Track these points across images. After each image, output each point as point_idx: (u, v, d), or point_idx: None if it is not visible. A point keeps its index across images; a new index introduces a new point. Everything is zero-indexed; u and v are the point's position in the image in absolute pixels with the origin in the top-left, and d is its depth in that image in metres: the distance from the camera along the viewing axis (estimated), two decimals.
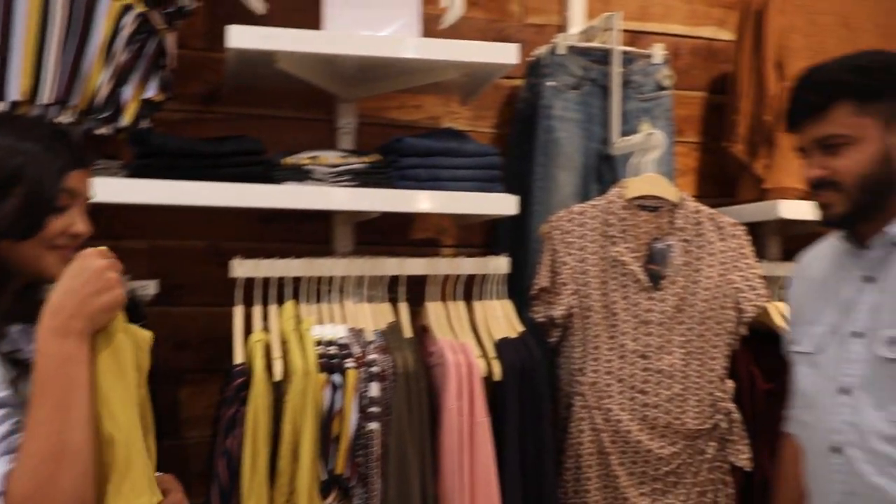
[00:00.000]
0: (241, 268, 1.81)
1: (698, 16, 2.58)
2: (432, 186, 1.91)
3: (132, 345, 1.18)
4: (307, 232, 2.21)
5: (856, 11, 2.39)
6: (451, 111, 2.37)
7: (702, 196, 2.28)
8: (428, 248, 2.32)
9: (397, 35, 1.94)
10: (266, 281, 1.83)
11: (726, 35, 2.56)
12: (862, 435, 1.37)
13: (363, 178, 1.89)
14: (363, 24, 1.93)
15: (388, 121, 2.31)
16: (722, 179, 2.50)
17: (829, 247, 1.58)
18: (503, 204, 1.96)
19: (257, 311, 1.82)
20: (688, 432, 1.99)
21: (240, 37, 1.80)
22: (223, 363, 1.85)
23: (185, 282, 2.15)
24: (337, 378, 1.68)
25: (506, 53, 1.96)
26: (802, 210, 1.85)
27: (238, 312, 1.80)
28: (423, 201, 1.90)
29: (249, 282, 1.82)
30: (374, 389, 1.69)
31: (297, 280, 1.86)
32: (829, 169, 1.40)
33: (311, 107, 2.22)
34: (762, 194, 2.32)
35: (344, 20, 1.92)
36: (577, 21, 2.41)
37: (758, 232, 2.33)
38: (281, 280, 1.85)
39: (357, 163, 1.91)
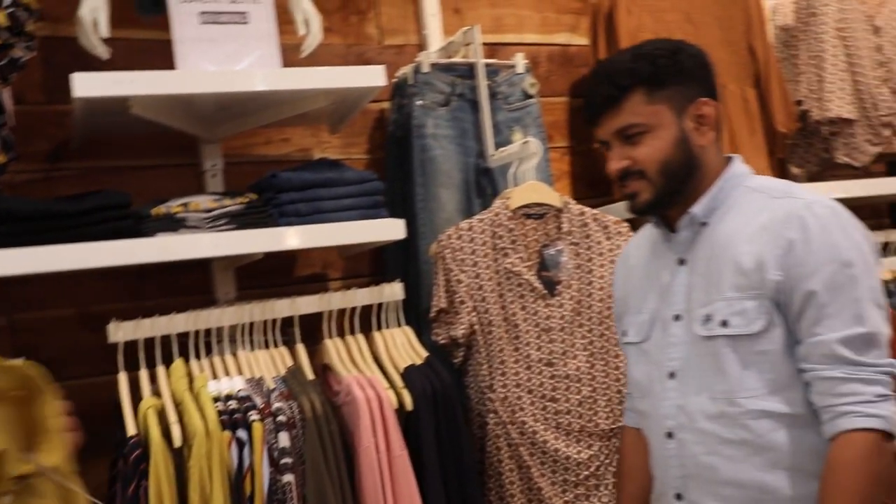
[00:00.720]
0: (120, 331, 1.67)
1: (550, 23, 2.62)
2: (316, 220, 1.84)
3: None
4: (186, 283, 2.07)
5: (697, 7, 2.50)
6: (321, 141, 2.29)
7: (579, 198, 2.29)
8: (316, 283, 2.23)
9: (256, 67, 1.85)
10: (149, 341, 1.70)
11: (580, 40, 2.62)
12: (690, 416, 1.39)
13: (241, 220, 1.79)
14: (219, 60, 1.83)
15: (256, 158, 2.21)
16: (595, 180, 2.55)
17: (646, 235, 1.60)
18: (390, 229, 1.91)
19: (144, 375, 1.68)
20: (602, 433, 1.99)
21: (87, 84, 1.67)
22: (110, 437, 1.70)
23: (56, 355, 1.95)
24: (242, 433, 1.58)
25: (373, 76, 1.91)
26: None
27: (123, 379, 1.66)
28: (305, 236, 1.82)
29: (131, 345, 1.68)
30: (284, 439, 1.60)
31: (183, 336, 1.74)
32: (630, 159, 1.42)
33: (173, 152, 2.10)
34: None
35: (197, 58, 1.82)
36: (436, 38, 2.40)
37: (637, 227, 2.37)
38: (166, 338, 1.72)
39: (232, 205, 1.80)
